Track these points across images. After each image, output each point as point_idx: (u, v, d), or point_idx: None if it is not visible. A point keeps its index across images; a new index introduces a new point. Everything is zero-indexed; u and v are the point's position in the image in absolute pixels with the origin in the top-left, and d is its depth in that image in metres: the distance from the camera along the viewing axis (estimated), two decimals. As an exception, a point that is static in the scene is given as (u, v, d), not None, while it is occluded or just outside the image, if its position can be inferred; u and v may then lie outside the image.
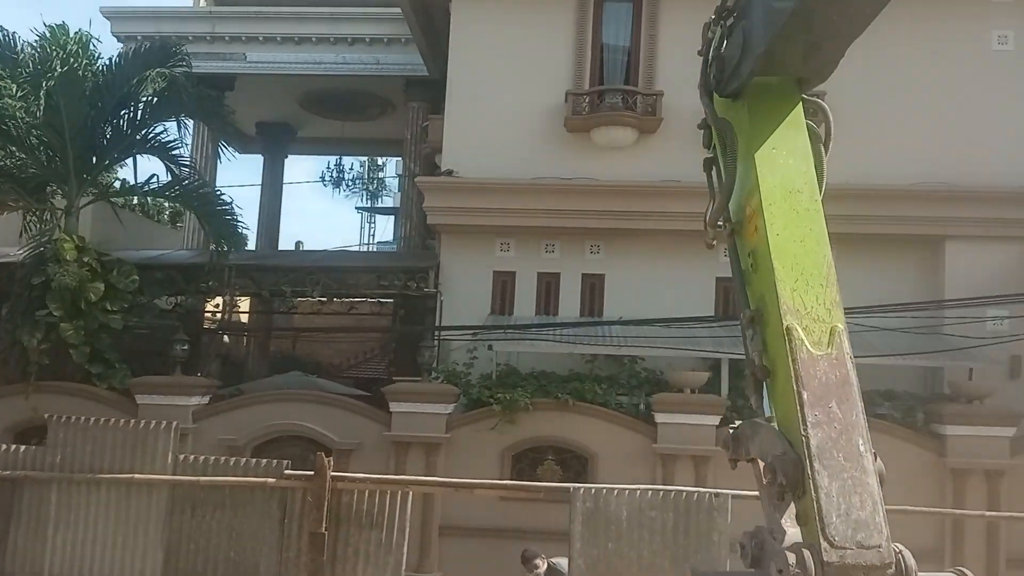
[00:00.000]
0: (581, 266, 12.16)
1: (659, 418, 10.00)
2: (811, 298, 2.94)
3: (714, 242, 3.63)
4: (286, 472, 7.44)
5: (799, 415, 2.76)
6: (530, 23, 12.44)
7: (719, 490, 7.22)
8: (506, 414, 10.00)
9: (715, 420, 9.87)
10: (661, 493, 7.24)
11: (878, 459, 2.80)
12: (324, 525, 7.14)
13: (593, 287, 12.13)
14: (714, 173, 3.64)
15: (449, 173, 12.17)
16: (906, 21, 11.60)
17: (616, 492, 7.21)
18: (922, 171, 11.29)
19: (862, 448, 2.74)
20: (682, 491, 7.17)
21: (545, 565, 7.54)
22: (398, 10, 13.91)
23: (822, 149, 3.36)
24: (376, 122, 18.77)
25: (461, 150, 12.21)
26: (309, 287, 12.12)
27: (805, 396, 2.77)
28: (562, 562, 7.50)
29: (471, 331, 10.95)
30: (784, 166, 3.14)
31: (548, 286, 12.17)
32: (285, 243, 20.88)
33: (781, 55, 3.07)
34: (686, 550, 7.05)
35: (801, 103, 3.32)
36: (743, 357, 10.16)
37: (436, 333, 11.68)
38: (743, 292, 3.27)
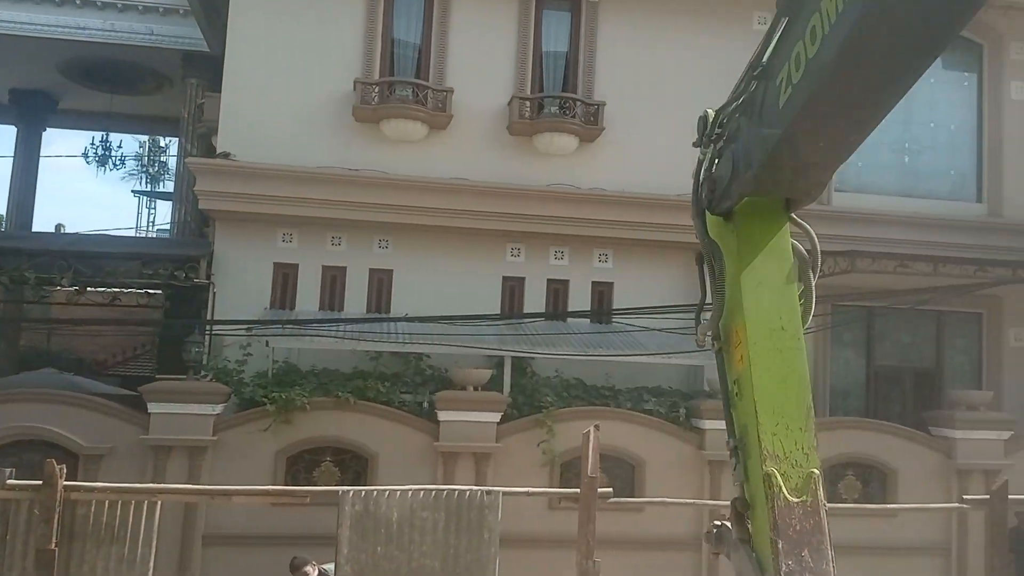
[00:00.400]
0: (369, 260, 11.84)
1: (442, 416, 9.95)
2: (790, 443, 3.03)
3: (704, 343, 3.59)
4: (8, 482, 6.53)
5: (773, 562, 2.92)
6: (318, 5, 11.94)
7: (490, 488, 7.26)
8: (281, 414, 9.49)
9: (496, 417, 9.99)
10: (433, 493, 7.18)
11: None
12: (54, 541, 6.35)
13: (381, 282, 11.86)
14: (704, 273, 3.70)
15: (225, 156, 11.37)
16: (682, 44, 12.50)
17: (387, 494, 7.06)
18: (686, 183, 12.11)
19: None
20: (454, 490, 7.15)
21: (316, 572, 7.22)
22: (174, -22, 12.85)
23: (811, 274, 3.44)
24: (151, 98, 17.22)
25: (239, 132, 11.47)
26: (57, 274, 10.79)
27: (780, 545, 2.90)
28: (332, 568, 7.22)
29: (246, 325, 10.28)
30: (769, 304, 3.20)
31: (333, 280, 11.74)
32: (45, 225, 18.67)
33: (770, 178, 3.10)
34: (457, 550, 7.04)
35: (788, 225, 3.39)
36: (526, 355, 10.39)
37: (207, 327, 10.86)
38: (728, 412, 3.37)
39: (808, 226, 3.52)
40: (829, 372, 12.21)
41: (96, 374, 14.53)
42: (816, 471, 3.03)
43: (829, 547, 2.97)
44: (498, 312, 11.85)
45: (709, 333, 3.48)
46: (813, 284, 3.41)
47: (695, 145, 3.56)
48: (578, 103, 12.16)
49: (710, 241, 3.41)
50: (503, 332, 11.20)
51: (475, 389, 10.07)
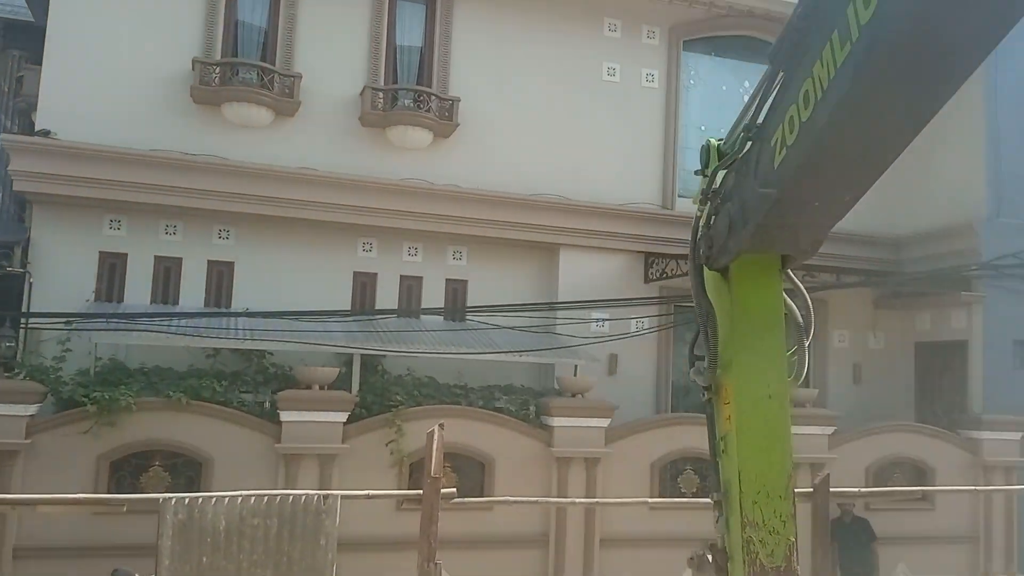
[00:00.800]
0: (207, 251, 11.16)
1: (284, 416, 9.50)
2: (769, 511, 3.15)
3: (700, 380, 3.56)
4: None
5: None
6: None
7: (327, 492, 6.98)
8: (104, 415, 8.73)
9: (342, 417, 9.66)
10: (265, 499, 6.80)
11: None
12: None
13: (221, 275, 11.21)
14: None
15: (45, 134, 10.37)
16: (537, 44, 12.61)
17: (214, 501, 6.61)
18: (544, 183, 12.29)
19: None
20: (288, 495, 6.79)
21: None
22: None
23: (803, 336, 3.48)
24: (-35, 66, 15.54)
25: (62, 109, 10.49)
26: None
27: None
28: None
29: (66, 319, 9.40)
30: (759, 372, 3.26)
31: (167, 272, 10.98)
32: None
33: (766, 236, 3.11)
34: (290, 557, 6.70)
35: (782, 285, 3.42)
36: (377, 353, 10.09)
37: (22, 320, 9.86)
38: (715, 462, 3.44)
39: (803, 287, 3.59)
40: (671, 371, 12.69)
41: None
42: (793, 539, 3.19)
43: None
44: (348, 308, 11.51)
45: (702, 383, 3.55)
46: (806, 345, 3.49)
47: (697, 174, 3.56)
48: (433, 97, 12.00)
49: (705, 300, 3.46)
50: (353, 329, 10.86)
51: (321, 388, 9.69)
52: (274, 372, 10.52)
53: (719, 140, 3.47)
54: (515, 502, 7.78)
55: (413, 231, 11.86)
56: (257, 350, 10.40)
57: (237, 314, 10.49)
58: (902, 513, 11.56)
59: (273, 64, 11.52)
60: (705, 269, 3.47)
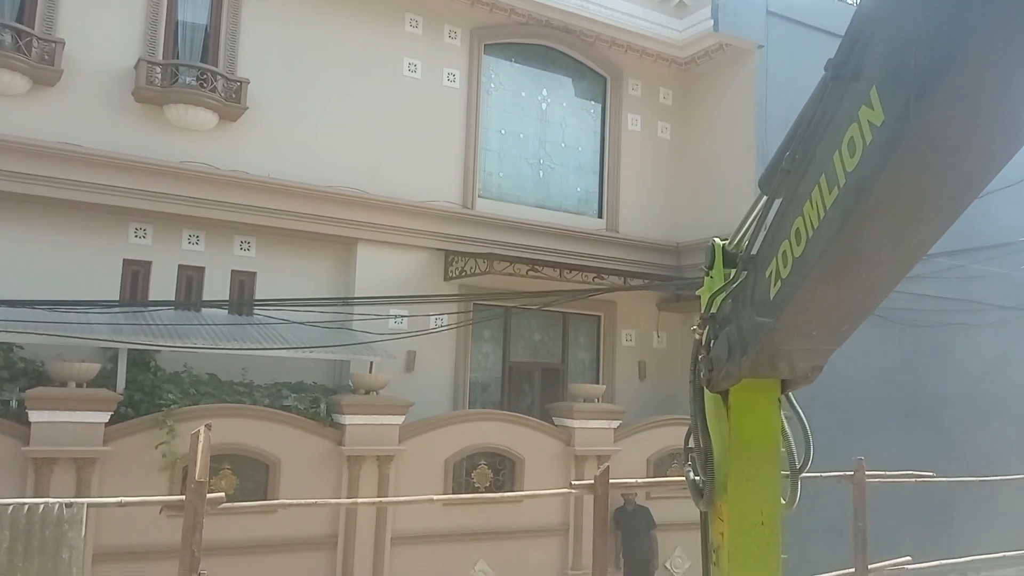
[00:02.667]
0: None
1: (34, 416, 8.40)
2: None
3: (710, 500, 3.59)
4: None
5: None
6: None
7: (72, 500, 6.17)
8: None
9: (104, 417, 8.70)
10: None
11: None
12: None
13: (-41, 259, 9.75)
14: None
15: None
16: (338, 33, 12.20)
17: (-71, 510, 5.65)
18: (341, 176, 11.86)
19: None
20: (23, 504, 5.93)
21: None
22: None
23: (796, 464, 3.58)
24: None
25: None
26: None
27: None
28: None
29: None
30: (753, 500, 3.35)
31: None
32: None
33: (765, 363, 3.15)
34: (26, 574, 5.84)
35: (780, 412, 3.48)
36: (147, 347, 9.16)
37: None
38: (705, 569, 3.54)
39: (802, 414, 3.60)
40: (470, 366, 12.70)
41: None
42: None
43: None
44: (116, 299, 10.42)
45: (694, 494, 3.65)
46: (799, 476, 3.59)
47: (702, 270, 3.68)
48: (219, 77, 11.20)
49: (703, 422, 3.52)
50: (120, 322, 9.84)
51: (79, 385, 8.66)
52: (23, 367, 9.29)
53: (724, 240, 3.59)
54: (294, 505, 7.30)
55: (194, 218, 10.98)
56: (4, 343, 9.12)
57: (-23, 303, 9.15)
58: (679, 501, 12.29)
59: (31, 27, 10.24)
60: (705, 391, 3.54)
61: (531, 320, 13.50)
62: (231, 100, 11.23)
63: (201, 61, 11.37)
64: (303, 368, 11.04)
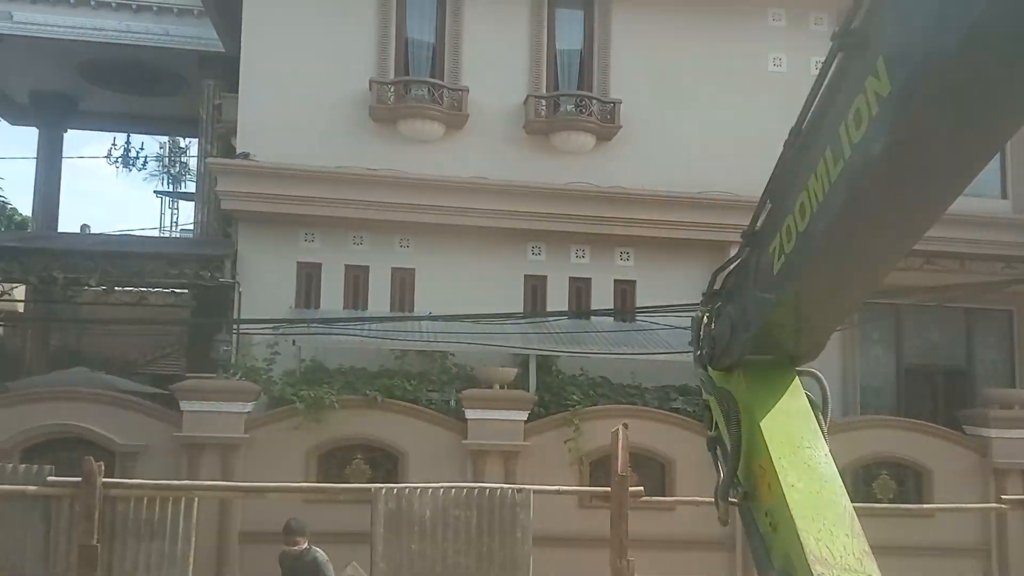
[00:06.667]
0: (390, 259, 11.87)
1: (469, 414, 9.96)
2: (838, 548, 2.81)
3: (727, 518, 3.40)
4: (49, 479, 6.59)
5: None
6: (331, 5, 11.98)
7: (521, 486, 7.25)
8: (311, 413, 9.52)
9: (523, 416, 10.00)
10: (465, 491, 7.19)
11: None
12: (96, 537, 6.39)
13: (403, 281, 11.88)
14: (719, 452, 3.52)
15: (245, 156, 11.41)
16: (698, 41, 12.47)
17: (419, 491, 7.07)
18: (710, 180, 12.10)
19: None
20: (485, 488, 7.15)
21: (306, 545, 6.76)
22: (188, -21, 12.93)
23: (821, 418, 3.34)
24: (169, 98, 17.27)
25: (258, 132, 11.51)
26: (86, 274, 10.85)
27: None
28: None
29: (272, 324, 10.31)
30: (789, 426, 3.14)
31: (356, 279, 11.77)
32: (70, 226, 18.81)
33: (768, 340, 3.13)
34: (490, 548, 7.04)
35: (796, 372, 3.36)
36: (552, 353, 10.29)
37: (234, 326, 10.90)
38: (767, 558, 3.11)
39: (818, 373, 3.50)
40: (859, 370, 12.13)
41: (126, 372, 14.59)
42: (876, 575, 2.80)
43: None
44: (520, 311, 11.85)
45: (731, 490, 3.29)
46: (824, 429, 3.30)
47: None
48: (594, 101, 12.17)
49: (722, 389, 3.35)
50: (527, 331, 11.19)
51: (501, 387, 10.07)
52: (456, 372, 11.01)
53: None
54: (702, 503, 7.72)
55: (580, 234, 12.05)
56: (440, 351, 10.93)
57: (421, 318, 11.07)
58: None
59: (442, 79, 12.10)
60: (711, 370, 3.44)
61: (927, 318, 12.45)
62: (606, 121, 12.12)
63: (578, 88, 12.46)
64: (686, 372, 11.48)
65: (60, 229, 17.39)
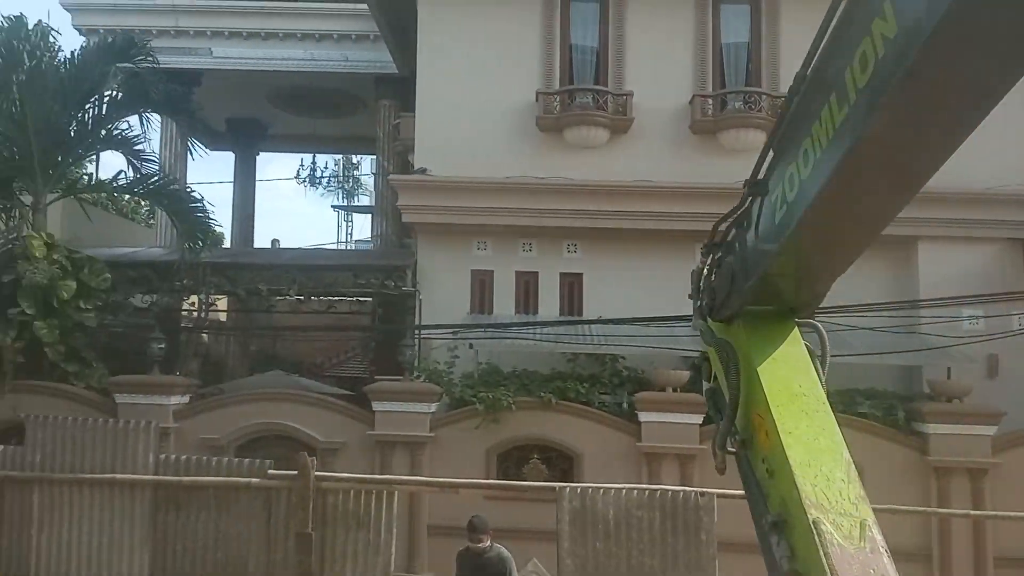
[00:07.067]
0: (559, 265, 12.14)
1: (643, 417, 10.02)
2: (834, 493, 2.85)
3: (724, 467, 3.46)
4: (270, 472, 7.32)
5: None
6: (497, 21, 12.42)
7: (705, 489, 7.24)
8: (490, 413, 9.95)
9: (698, 419, 9.92)
10: (647, 492, 7.27)
11: None
12: (311, 525, 7.04)
13: (572, 286, 12.12)
14: (717, 404, 3.61)
15: (422, 171, 12.07)
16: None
17: (602, 491, 7.22)
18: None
19: None
20: (668, 490, 7.19)
21: (489, 542, 6.77)
22: (365, 7, 13.79)
23: (820, 367, 3.33)
24: (348, 119, 18.58)
25: (433, 148, 12.13)
26: (286, 285, 11.91)
27: None
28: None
29: (451, 330, 10.85)
30: (787, 375, 3.16)
31: (527, 285, 12.13)
32: (261, 241, 20.61)
33: (768, 290, 3.13)
34: (675, 549, 7.08)
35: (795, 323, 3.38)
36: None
37: (416, 332, 11.56)
38: (763, 505, 3.15)
39: (817, 324, 3.41)
40: None
41: (313, 375, 15.83)
42: (871, 519, 2.78)
43: None
44: (690, 313, 11.72)
45: (729, 439, 3.28)
46: (823, 379, 3.24)
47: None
48: (763, 96, 11.88)
49: (722, 340, 3.32)
50: (696, 333, 11.05)
51: (674, 391, 10.06)
52: (627, 375, 11.10)
53: None
54: (900, 511, 7.40)
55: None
56: (611, 354, 11.06)
57: (591, 321, 11.25)
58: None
59: (606, 85, 12.24)
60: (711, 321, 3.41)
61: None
62: (776, 116, 11.78)
63: (746, 84, 12.22)
64: (871, 374, 10.97)
65: (255, 245, 19.09)
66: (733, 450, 3.30)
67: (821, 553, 2.65)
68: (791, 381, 3.12)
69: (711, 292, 3.43)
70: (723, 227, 3.33)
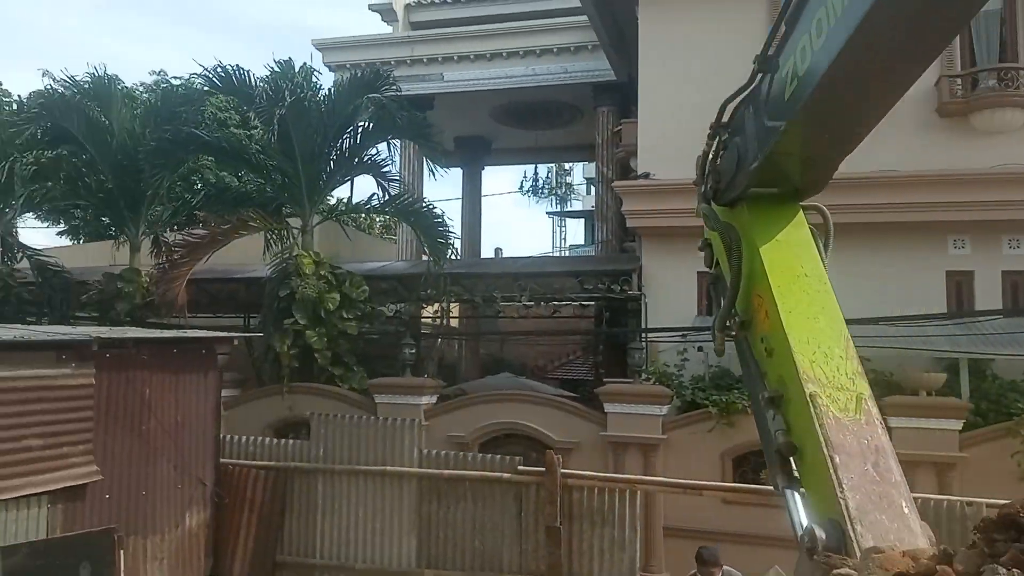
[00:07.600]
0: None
1: (892, 422, 9.41)
2: (831, 369, 2.89)
3: (723, 348, 3.48)
4: (519, 468, 7.80)
5: (834, 479, 2.60)
6: (720, 19, 12.19)
7: (971, 500, 6.73)
8: (723, 417, 9.86)
9: (957, 425, 9.18)
10: (932, 502, 6.84)
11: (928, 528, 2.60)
12: (559, 520, 7.42)
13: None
14: (718, 290, 3.62)
15: (646, 176, 12.17)
16: None
17: (931, 503, 6.87)
18: None
19: (906, 509, 2.59)
20: (943, 500, 6.74)
21: (721, 573, 6.62)
22: (584, 18, 14.11)
23: (823, 249, 3.34)
24: (566, 129, 19.12)
25: (656, 152, 12.17)
26: (517, 292, 12.56)
27: (837, 459, 2.64)
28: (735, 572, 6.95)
29: (680, 332, 10.87)
30: (790, 256, 3.18)
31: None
32: (484, 251, 21.78)
33: (775, 170, 3.12)
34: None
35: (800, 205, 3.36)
36: (984, 356, 9.35)
37: (643, 335, 11.70)
38: (760, 381, 3.17)
39: (822, 206, 3.37)
40: None
41: (537, 377, 16.51)
42: (866, 393, 2.83)
43: (896, 462, 2.70)
44: (943, 310, 10.87)
45: (729, 322, 3.30)
46: (825, 260, 3.26)
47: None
48: (1020, 72, 10.73)
49: (726, 223, 3.30)
50: (953, 332, 10.23)
51: (928, 394, 9.37)
52: (872, 378, 10.46)
53: None
54: None
55: (1012, 222, 10.69)
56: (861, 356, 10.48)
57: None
58: None
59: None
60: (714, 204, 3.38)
61: None
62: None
63: (1000, 61, 11.11)
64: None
65: (481, 255, 20.21)
66: (732, 334, 3.36)
67: (816, 424, 2.70)
68: (793, 262, 3.16)
69: (716, 175, 3.44)
70: (731, 106, 3.35)
